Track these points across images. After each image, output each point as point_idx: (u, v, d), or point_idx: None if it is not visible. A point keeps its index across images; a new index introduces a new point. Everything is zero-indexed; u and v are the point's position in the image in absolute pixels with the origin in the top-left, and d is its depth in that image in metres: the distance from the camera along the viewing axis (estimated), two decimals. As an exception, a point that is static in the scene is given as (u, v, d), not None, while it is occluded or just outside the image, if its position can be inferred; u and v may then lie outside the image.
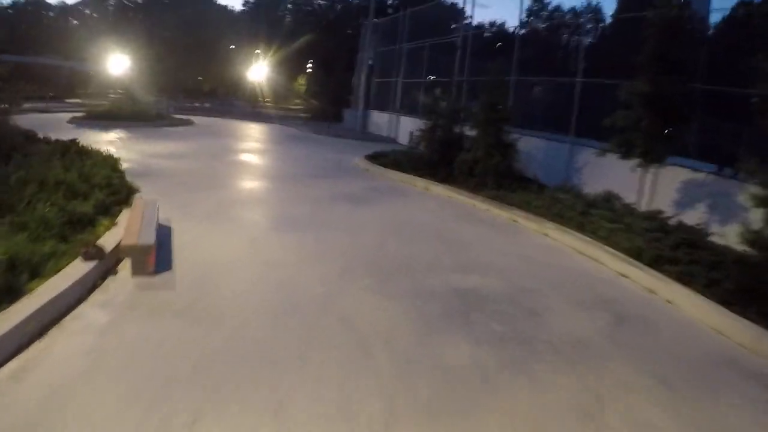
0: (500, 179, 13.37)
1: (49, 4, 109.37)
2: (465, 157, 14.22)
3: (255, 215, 10.19)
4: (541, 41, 26.52)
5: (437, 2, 29.80)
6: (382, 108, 30.14)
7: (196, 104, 53.38)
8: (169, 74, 69.54)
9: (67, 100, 45.24)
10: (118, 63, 44.86)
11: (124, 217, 7.97)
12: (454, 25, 28.10)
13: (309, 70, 68.29)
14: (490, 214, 11.62)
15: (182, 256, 7.08)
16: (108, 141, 19.01)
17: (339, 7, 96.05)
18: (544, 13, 38.08)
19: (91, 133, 21.11)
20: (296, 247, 8.11)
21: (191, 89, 66.92)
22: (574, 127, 14.91)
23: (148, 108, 29.51)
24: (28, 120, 28.56)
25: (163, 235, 7.78)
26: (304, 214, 10.38)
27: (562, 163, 15.03)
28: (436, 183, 14.10)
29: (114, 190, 9.22)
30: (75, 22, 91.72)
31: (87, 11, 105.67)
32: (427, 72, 25.35)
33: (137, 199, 9.01)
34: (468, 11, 23.60)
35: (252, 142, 22.96)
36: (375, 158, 17.70)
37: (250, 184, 13.63)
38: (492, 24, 25.72)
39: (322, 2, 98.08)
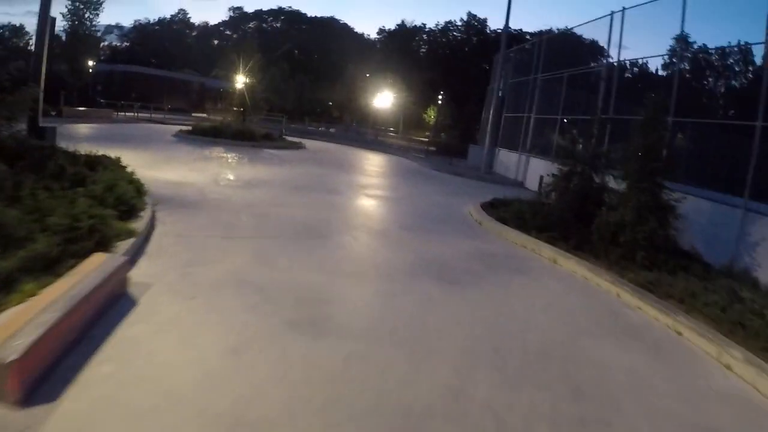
0: (654, 253, 10.04)
1: (193, 24, 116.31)
2: (607, 219, 10.90)
3: (273, 304, 6.24)
4: (700, 78, 22.75)
5: (576, 35, 26.60)
6: (510, 146, 27.21)
7: (321, 128, 52.68)
8: (297, 96, 70.39)
9: (194, 114, 45.55)
10: (245, 82, 44.86)
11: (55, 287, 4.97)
12: (593, 64, 24.87)
13: (440, 102, 66.28)
14: (643, 317, 7.72)
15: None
16: (194, 158, 17.58)
17: (475, 39, 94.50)
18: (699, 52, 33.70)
19: (184, 149, 19.98)
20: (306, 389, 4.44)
21: (319, 113, 67.13)
22: (749, 186, 11.34)
23: (257, 128, 28.33)
24: (136, 129, 28.22)
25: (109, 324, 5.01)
26: (357, 304, 6.68)
27: (730, 233, 11.42)
28: (567, 254, 10.46)
29: (87, 231, 6.45)
30: (215, 42, 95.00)
31: (227, 32, 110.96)
32: (564, 108, 22.21)
33: (94, 259, 5.75)
34: (609, 50, 20.22)
35: (356, 175, 20.71)
36: (493, 207, 14.67)
37: (312, 234, 9.90)
38: (634, 64, 22.02)
39: (457, 34, 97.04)
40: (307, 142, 33.88)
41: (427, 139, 54.88)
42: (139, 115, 38.90)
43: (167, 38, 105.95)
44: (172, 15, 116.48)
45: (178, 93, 57.35)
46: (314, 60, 78.75)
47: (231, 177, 15.41)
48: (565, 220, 12.20)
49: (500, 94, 26.36)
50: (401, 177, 21.58)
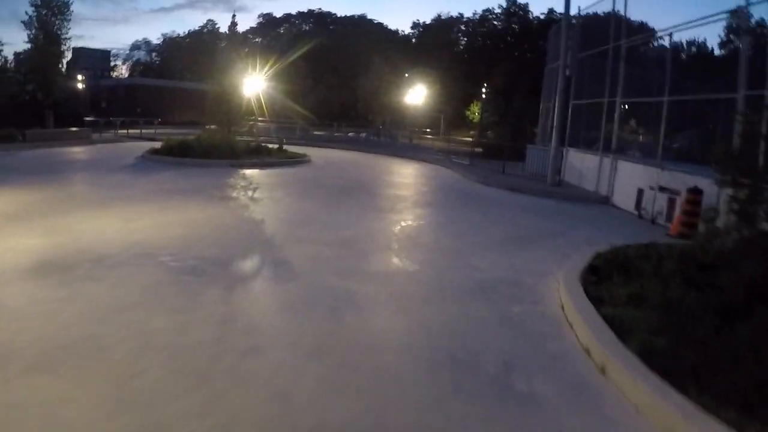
0: None
1: (223, 34, 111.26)
2: None
3: None
4: None
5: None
6: (584, 145, 20.01)
7: (351, 133, 46.00)
8: (323, 99, 64.07)
9: (208, 126, 39.27)
10: (257, 87, 38.77)
11: None
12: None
13: (484, 97, 58.97)
14: None
15: None
16: (98, 199, 10.89)
17: (516, 27, 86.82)
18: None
19: (115, 181, 13.48)
20: None
21: (352, 116, 60.54)
22: None
23: (250, 138, 21.98)
24: (101, 151, 22.01)
25: None
26: None
27: None
28: None
29: None
30: (246, 50, 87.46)
31: (256, 39, 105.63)
32: (671, 88, 14.85)
33: None
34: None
35: (362, 206, 12.62)
36: (605, 283, 6.87)
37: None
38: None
39: (497, 23, 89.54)
40: (323, 153, 27.30)
41: (471, 139, 47.63)
42: (144, 131, 32.88)
43: (197, 50, 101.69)
44: (200, 26, 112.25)
45: (191, 104, 51.49)
46: (343, 60, 72.18)
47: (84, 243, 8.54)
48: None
49: (567, 74, 19.09)
50: (434, 203, 14.44)
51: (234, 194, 13.08)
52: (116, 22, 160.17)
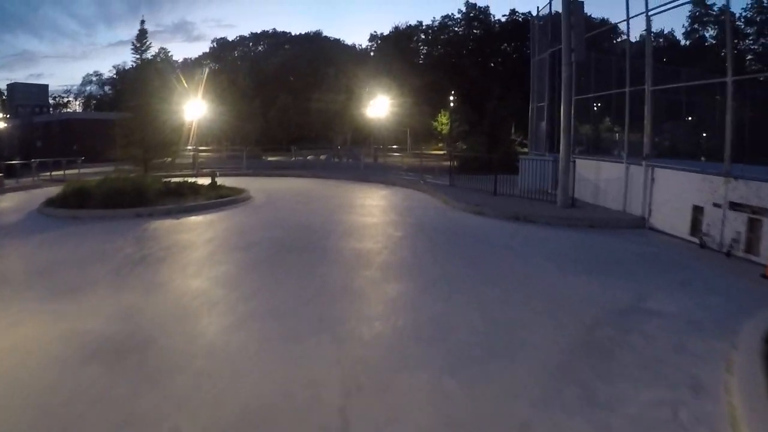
0: None
1: (176, 61, 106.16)
2: None
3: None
4: None
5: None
6: (599, 151, 15.57)
7: (310, 156, 41.10)
8: (279, 122, 59.20)
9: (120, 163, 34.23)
10: (198, 113, 33.85)
11: None
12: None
13: (453, 105, 54.61)
14: None
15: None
16: None
17: (477, 31, 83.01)
18: None
19: None
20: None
21: (308, 137, 55.65)
22: None
23: (156, 179, 17.01)
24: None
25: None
26: None
27: None
28: None
29: None
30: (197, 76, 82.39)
31: (211, 64, 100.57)
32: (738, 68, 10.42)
33: None
34: None
35: (292, 297, 6.84)
36: None
37: None
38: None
39: (458, 29, 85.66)
40: (270, 184, 22.45)
41: (442, 152, 42.84)
42: (68, 173, 27.44)
43: (150, 79, 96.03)
44: (153, 55, 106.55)
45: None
46: (299, 79, 67.40)
47: None
48: None
49: (572, 59, 14.47)
50: (416, 263, 8.83)
51: (88, 280, 7.92)
52: (75, 59, 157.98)
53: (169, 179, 17.84)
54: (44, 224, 13.04)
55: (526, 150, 49.78)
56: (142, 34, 18.03)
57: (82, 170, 25.39)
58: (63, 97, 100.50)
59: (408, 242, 10.31)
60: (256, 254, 9.24)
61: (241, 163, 30.88)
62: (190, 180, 18.30)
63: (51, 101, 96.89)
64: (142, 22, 17.87)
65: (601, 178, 14.94)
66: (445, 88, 62.36)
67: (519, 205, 14.61)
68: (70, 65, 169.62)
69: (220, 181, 19.55)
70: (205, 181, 18.74)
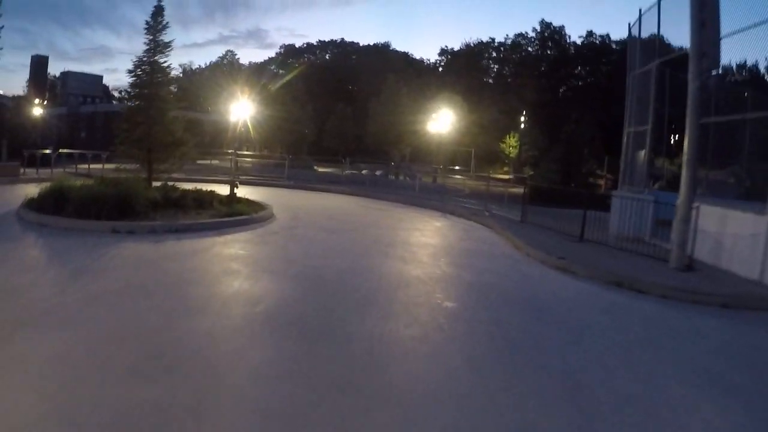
0: None
1: (242, 65, 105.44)
2: None
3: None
4: None
5: None
6: (721, 193, 11.72)
7: (364, 171, 37.87)
8: (337, 133, 56.22)
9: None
10: (244, 116, 31.29)
11: None
12: None
13: (523, 127, 50.76)
14: None
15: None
16: None
17: (550, 52, 78.59)
18: None
19: None
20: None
21: (365, 150, 52.57)
22: None
23: (159, 185, 14.04)
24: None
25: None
26: None
27: None
28: None
29: None
30: (263, 81, 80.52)
31: (276, 69, 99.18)
32: None
33: None
34: None
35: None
36: None
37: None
38: None
39: (531, 49, 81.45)
40: (306, 201, 19.37)
41: (508, 176, 38.93)
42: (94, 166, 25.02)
43: (214, 80, 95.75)
44: (219, 57, 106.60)
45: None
46: (361, 89, 64.55)
47: None
48: None
49: (704, 66, 10.60)
50: (463, 363, 5.49)
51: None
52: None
53: (175, 186, 14.86)
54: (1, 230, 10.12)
55: (600, 181, 45.97)
56: (158, 12, 14.95)
57: (108, 165, 22.92)
58: (127, 91, 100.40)
59: (461, 329, 6.50)
60: (195, 340, 5.88)
61: (283, 173, 27.87)
62: (210, 188, 15.27)
63: (116, 94, 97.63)
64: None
65: (726, 232, 11.08)
66: (515, 109, 58.59)
67: (616, 261, 10.87)
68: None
69: (246, 192, 16.46)
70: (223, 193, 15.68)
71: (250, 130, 39.11)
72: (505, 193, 22.15)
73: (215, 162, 33.11)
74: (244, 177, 26.30)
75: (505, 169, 57.14)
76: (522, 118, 52.17)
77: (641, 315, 7.78)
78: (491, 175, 34.49)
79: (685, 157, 10.63)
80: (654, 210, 13.93)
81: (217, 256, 9.42)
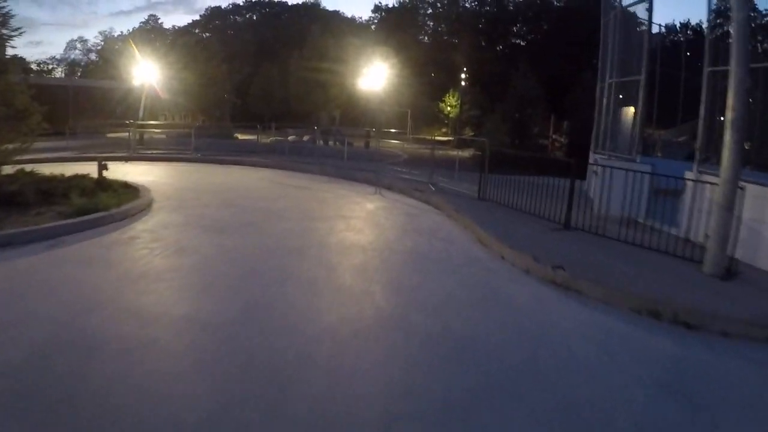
0: None
1: (165, 29, 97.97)
2: None
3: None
4: None
5: None
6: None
7: (291, 137, 33.70)
8: (261, 95, 51.59)
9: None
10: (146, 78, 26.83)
11: None
12: None
13: (464, 85, 47.37)
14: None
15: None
16: None
17: (490, 9, 74.89)
18: None
19: None
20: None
21: (294, 115, 48.14)
22: None
23: None
24: None
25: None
26: None
27: None
28: None
29: None
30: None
31: (200, 32, 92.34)
32: None
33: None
34: None
35: None
36: None
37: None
38: None
39: (469, 6, 77.61)
40: (207, 178, 15.44)
41: (448, 139, 35.29)
42: None
43: (136, 48, 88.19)
44: (141, 23, 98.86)
45: (89, 105, 38.33)
46: (288, 49, 59.51)
47: None
48: None
49: None
50: None
51: None
52: (76, 27, 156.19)
53: (23, 172, 10.87)
54: None
55: (549, 143, 43.13)
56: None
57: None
58: (48, 64, 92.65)
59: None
60: None
61: (196, 144, 23.52)
62: (84, 172, 11.27)
63: (35, 68, 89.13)
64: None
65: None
66: (454, 67, 55.12)
67: (629, 265, 7.48)
68: (70, 33, 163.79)
69: (138, 171, 12.52)
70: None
71: (161, 96, 34.55)
72: (448, 157, 18.53)
73: (122, 135, 28.32)
74: (146, 151, 22.14)
75: (444, 130, 53.75)
76: (462, 76, 48.65)
77: (714, 395, 4.34)
78: (425, 136, 30.87)
79: (729, 115, 7.21)
80: (650, 183, 10.67)
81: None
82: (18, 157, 11.48)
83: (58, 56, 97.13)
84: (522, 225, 9.74)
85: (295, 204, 12.11)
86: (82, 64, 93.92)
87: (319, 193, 13.78)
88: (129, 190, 11.80)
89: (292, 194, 13.58)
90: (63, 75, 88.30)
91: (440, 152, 22.57)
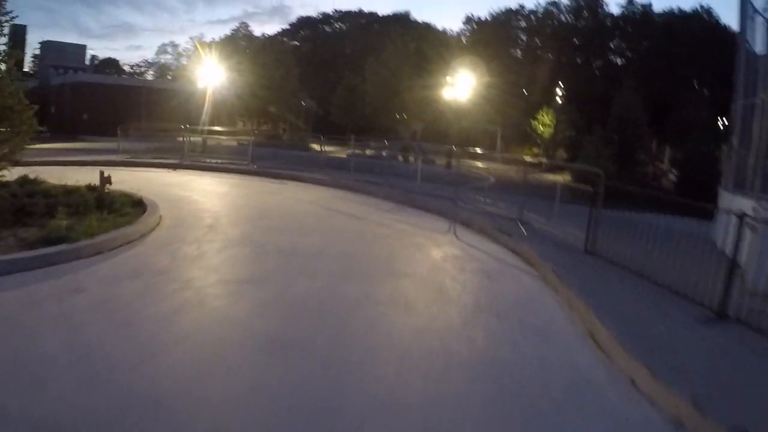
0: None
1: (255, 37, 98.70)
2: None
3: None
4: None
5: None
6: None
7: (369, 151, 31.35)
8: (343, 105, 49.41)
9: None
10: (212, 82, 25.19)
11: None
12: None
13: (560, 103, 43.79)
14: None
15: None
16: None
17: (584, 23, 70.11)
18: None
19: None
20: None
21: (378, 128, 45.80)
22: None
23: None
24: None
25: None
26: None
27: None
28: None
29: None
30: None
31: (285, 40, 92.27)
32: None
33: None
34: None
35: None
36: None
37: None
38: None
39: (564, 19, 73.00)
40: (249, 198, 13.01)
41: (540, 161, 31.77)
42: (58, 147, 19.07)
43: (225, 54, 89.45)
44: (233, 30, 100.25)
45: (157, 107, 37.50)
46: (376, 60, 57.41)
47: None
48: None
49: None
50: None
51: None
52: (173, 33, 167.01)
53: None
54: None
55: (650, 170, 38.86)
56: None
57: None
58: (140, 66, 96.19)
59: None
60: None
61: (257, 153, 21.24)
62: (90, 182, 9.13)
63: (128, 69, 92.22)
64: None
65: None
66: (547, 82, 51.47)
67: None
68: (168, 39, 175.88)
69: (180, 180, 10.29)
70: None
71: (236, 101, 33.21)
72: (542, 183, 15.30)
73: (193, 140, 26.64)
74: (203, 160, 20.48)
75: (535, 150, 49.79)
76: (558, 92, 44.97)
77: None
78: (517, 156, 27.72)
79: None
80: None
81: None
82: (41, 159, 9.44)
83: (150, 59, 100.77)
84: (654, 307, 6.40)
85: (332, 244, 9.08)
86: (173, 68, 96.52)
87: (374, 227, 10.87)
88: (134, 209, 9.46)
89: (336, 226, 10.73)
90: (152, 78, 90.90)
91: (534, 176, 19.28)
